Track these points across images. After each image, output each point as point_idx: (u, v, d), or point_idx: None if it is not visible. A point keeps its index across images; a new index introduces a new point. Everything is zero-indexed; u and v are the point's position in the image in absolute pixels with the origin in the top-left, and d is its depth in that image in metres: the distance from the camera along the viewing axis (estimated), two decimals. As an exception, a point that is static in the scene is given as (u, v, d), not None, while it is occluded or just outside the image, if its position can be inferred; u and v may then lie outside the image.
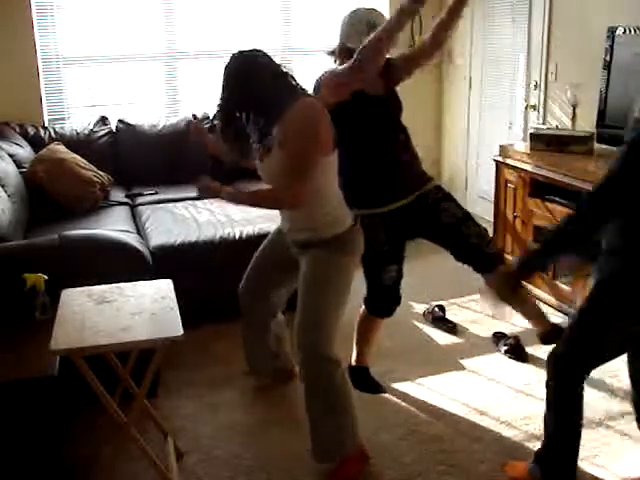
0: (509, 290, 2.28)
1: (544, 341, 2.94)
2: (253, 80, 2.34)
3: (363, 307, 2.97)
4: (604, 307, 2.16)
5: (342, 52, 2.70)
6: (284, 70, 2.41)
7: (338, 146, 2.46)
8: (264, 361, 2.97)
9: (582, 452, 2.53)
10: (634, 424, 2.71)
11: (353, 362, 3.07)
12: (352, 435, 2.47)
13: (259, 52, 2.41)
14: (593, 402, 2.87)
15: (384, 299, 2.90)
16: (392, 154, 2.77)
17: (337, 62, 2.73)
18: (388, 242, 2.78)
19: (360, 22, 2.64)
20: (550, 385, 2.25)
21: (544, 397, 2.93)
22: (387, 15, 5.50)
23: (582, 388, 2.22)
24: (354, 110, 2.63)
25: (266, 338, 2.90)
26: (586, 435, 2.65)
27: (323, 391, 2.43)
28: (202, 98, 5.18)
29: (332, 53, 2.77)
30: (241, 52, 2.41)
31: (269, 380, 3.05)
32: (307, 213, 2.43)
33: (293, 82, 2.40)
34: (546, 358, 2.29)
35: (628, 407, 2.82)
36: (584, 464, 2.49)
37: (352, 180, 2.67)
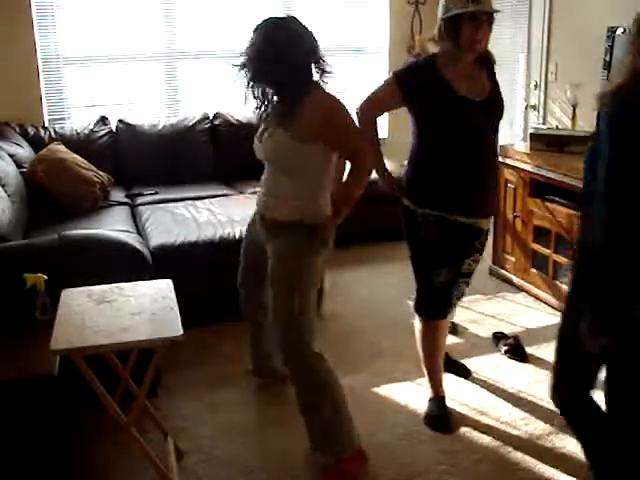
0: None
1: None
2: (291, 55, 2.31)
3: (417, 322, 2.85)
4: None
5: (440, 30, 2.59)
6: (318, 49, 2.39)
7: (427, 143, 2.60)
8: (267, 360, 2.98)
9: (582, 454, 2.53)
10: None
11: (432, 394, 2.87)
12: (348, 434, 2.46)
13: (300, 23, 2.38)
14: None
15: (435, 301, 2.77)
16: (483, 170, 2.68)
17: (440, 41, 2.63)
18: (440, 245, 2.65)
19: None
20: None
21: (544, 397, 2.94)
22: (388, 9, 5.46)
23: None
24: (453, 113, 2.58)
25: (269, 337, 2.91)
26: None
27: (313, 388, 2.44)
28: (202, 98, 5.19)
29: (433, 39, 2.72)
30: (284, 19, 2.37)
31: (271, 379, 3.05)
32: (301, 187, 2.43)
33: (322, 64, 2.39)
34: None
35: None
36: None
37: (439, 181, 2.63)
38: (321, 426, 2.45)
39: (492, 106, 2.66)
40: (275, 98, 2.44)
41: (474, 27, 2.49)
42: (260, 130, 2.53)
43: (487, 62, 2.71)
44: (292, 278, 2.44)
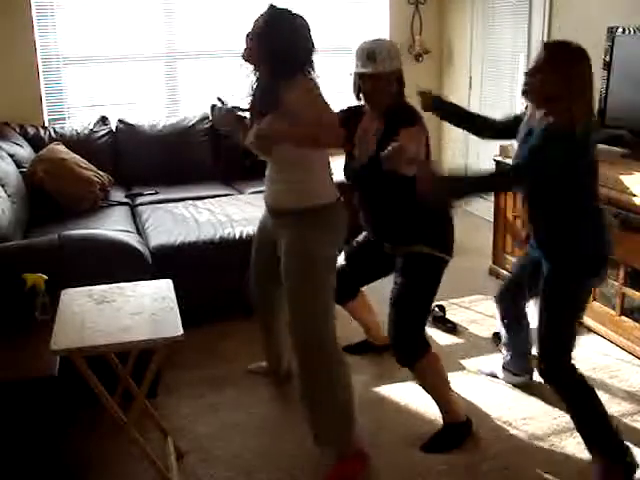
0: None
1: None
2: (295, 37, 2.38)
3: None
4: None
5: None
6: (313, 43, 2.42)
7: None
8: (278, 357, 2.99)
9: (582, 454, 2.54)
10: (634, 425, 2.72)
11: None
12: (351, 429, 2.46)
13: (301, 17, 2.43)
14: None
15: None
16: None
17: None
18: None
19: (362, 50, 2.62)
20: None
21: (544, 397, 2.94)
22: (388, 9, 5.45)
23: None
24: None
25: (278, 334, 2.92)
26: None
27: (319, 382, 2.43)
28: (202, 98, 5.19)
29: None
30: (289, 12, 2.42)
31: (282, 378, 3.04)
32: (291, 173, 2.44)
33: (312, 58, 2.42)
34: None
35: (628, 407, 2.82)
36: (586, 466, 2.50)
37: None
38: (328, 410, 2.44)
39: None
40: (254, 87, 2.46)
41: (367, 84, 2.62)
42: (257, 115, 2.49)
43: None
44: (304, 266, 2.43)
